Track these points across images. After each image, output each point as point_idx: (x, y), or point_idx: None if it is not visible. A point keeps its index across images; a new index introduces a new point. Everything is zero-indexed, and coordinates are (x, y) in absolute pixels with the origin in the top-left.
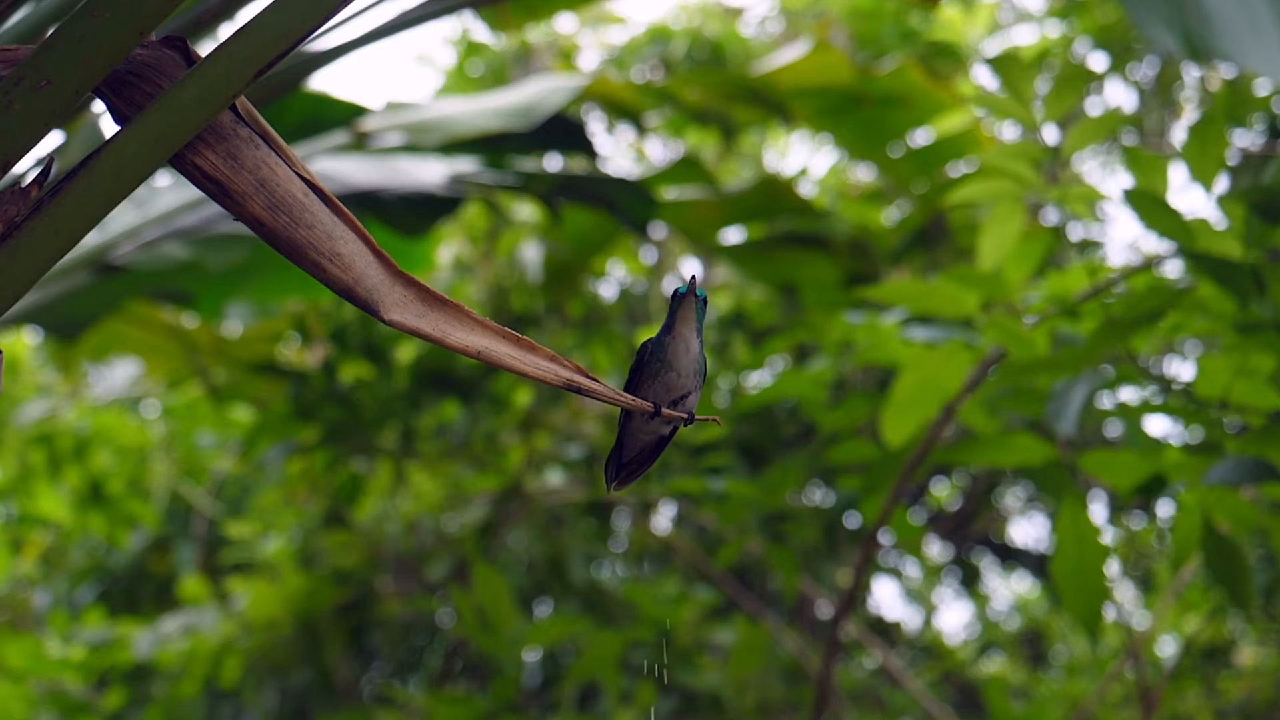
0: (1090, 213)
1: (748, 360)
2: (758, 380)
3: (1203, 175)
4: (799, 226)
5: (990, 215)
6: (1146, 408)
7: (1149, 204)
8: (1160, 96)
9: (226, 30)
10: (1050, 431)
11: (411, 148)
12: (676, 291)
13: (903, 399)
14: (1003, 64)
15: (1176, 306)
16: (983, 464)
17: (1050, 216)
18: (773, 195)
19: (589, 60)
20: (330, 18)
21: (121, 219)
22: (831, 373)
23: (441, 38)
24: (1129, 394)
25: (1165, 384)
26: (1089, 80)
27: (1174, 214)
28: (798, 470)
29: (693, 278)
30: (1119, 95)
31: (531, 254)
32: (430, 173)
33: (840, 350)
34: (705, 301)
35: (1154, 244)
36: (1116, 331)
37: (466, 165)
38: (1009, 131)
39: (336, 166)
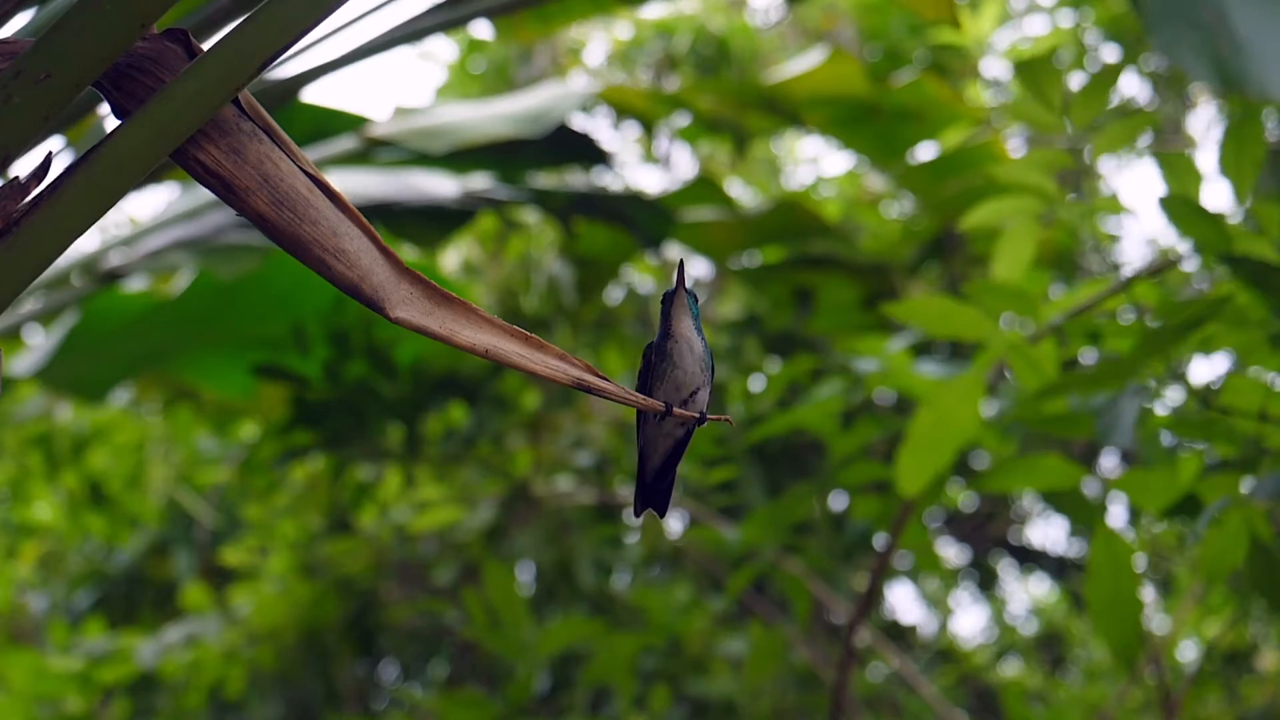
0: (1114, 210)
1: (759, 366)
2: (765, 385)
3: (1238, 179)
4: (817, 247)
5: (1006, 234)
6: (1183, 425)
7: (1185, 210)
8: (1174, 88)
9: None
10: (1074, 453)
11: (420, 156)
12: (666, 293)
13: (919, 442)
14: (1029, 69)
15: (1215, 316)
16: (1011, 490)
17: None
18: (791, 217)
19: (593, 56)
20: (333, 11)
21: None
22: (840, 403)
23: (444, 35)
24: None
25: (1201, 397)
26: (1116, 81)
27: (1212, 220)
28: (808, 500)
29: (680, 270)
30: (1132, 87)
31: (559, 269)
32: (442, 186)
33: (851, 379)
34: (695, 297)
35: (1173, 239)
36: (1157, 343)
37: (480, 181)
38: (1021, 138)
39: (346, 179)
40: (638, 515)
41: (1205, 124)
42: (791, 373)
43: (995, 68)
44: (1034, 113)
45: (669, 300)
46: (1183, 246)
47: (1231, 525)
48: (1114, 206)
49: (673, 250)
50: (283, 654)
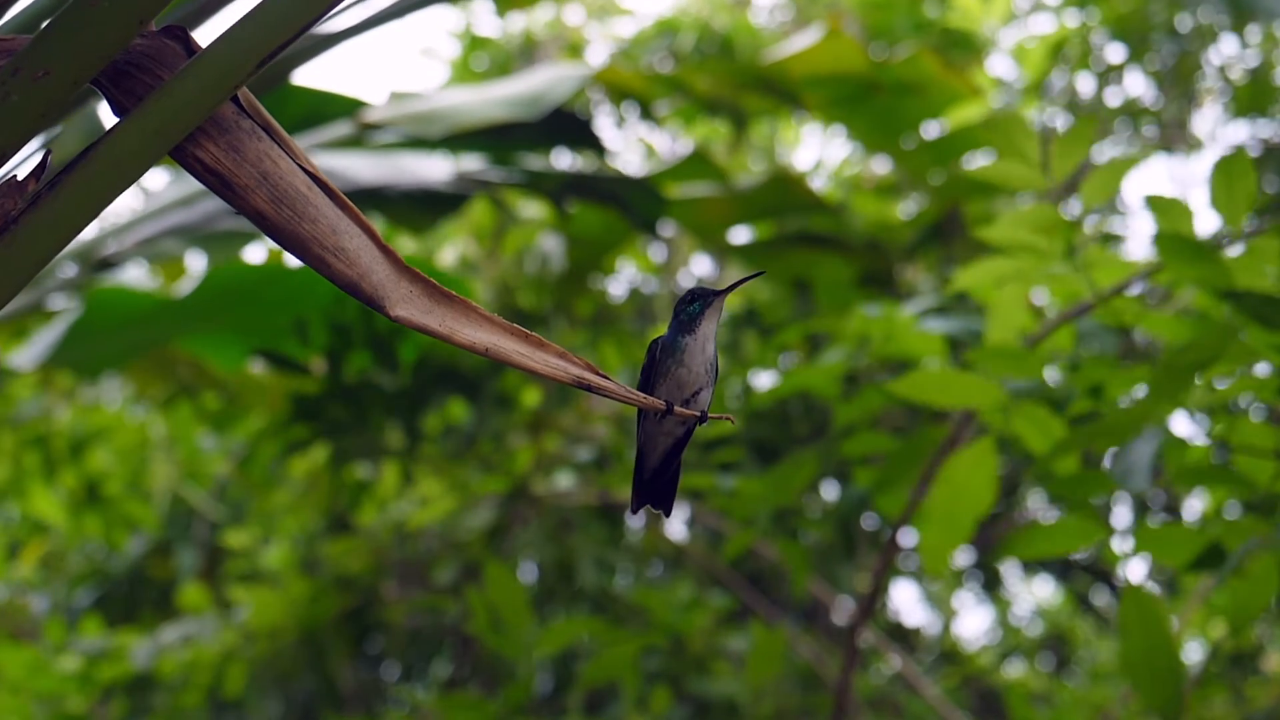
0: (1112, 269)
1: (759, 357)
2: (769, 379)
3: (1230, 213)
4: (812, 224)
5: (997, 301)
6: (1198, 473)
7: (1180, 249)
8: (1179, 86)
9: (230, 19)
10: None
11: (416, 140)
12: (697, 291)
13: (938, 520)
14: (1001, 128)
15: (1226, 353)
16: (1039, 555)
17: (1070, 209)
18: (785, 192)
19: (596, 54)
20: (334, 7)
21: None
22: (845, 366)
23: (445, 31)
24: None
25: (1221, 441)
26: (1095, 132)
27: (1209, 256)
28: (810, 464)
29: (734, 282)
30: (1137, 86)
31: (552, 245)
32: (435, 170)
33: (856, 343)
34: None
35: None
36: (1167, 388)
37: (473, 163)
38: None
39: (339, 163)
40: (635, 512)
41: (1210, 123)
42: (789, 338)
43: (1000, 65)
44: (1013, 175)
45: (704, 298)
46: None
47: (1259, 569)
48: (1113, 266)
49: (667, 229)
50: (281, 652)
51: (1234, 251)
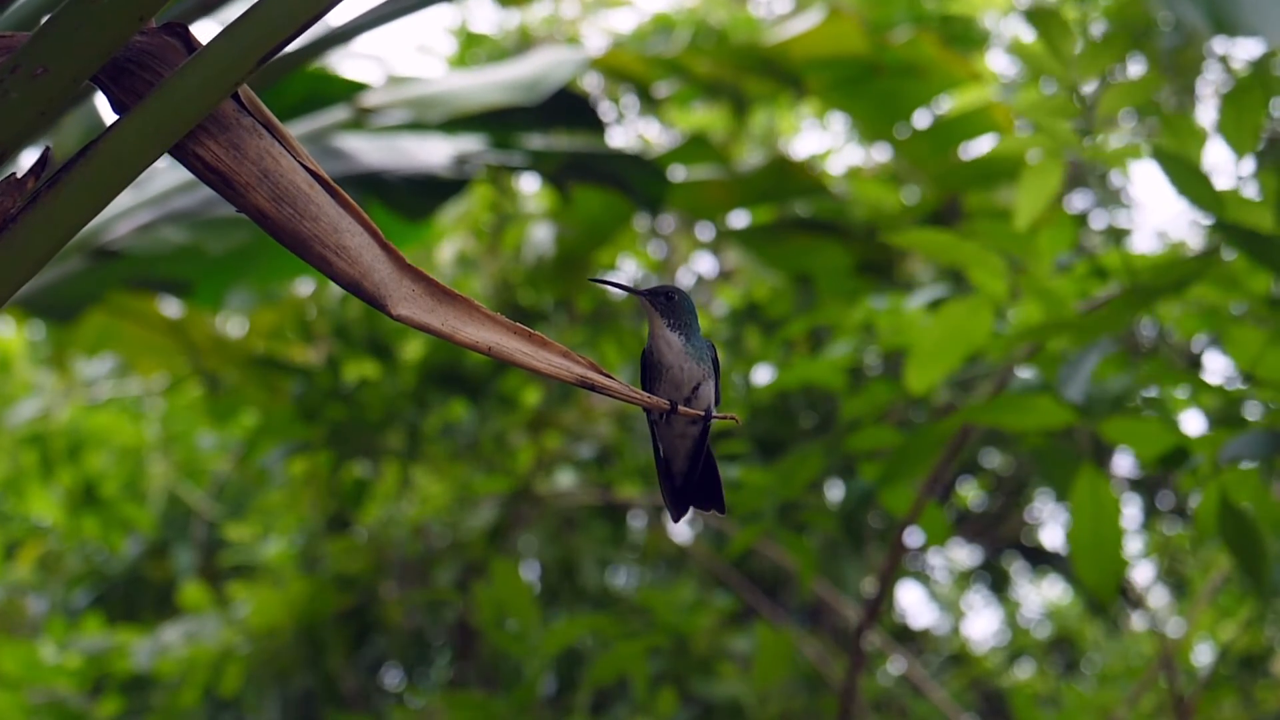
0: (1124, 169)
1: (762, 352)
2: (772, 374)
3: (1238, 144)
4: (813, 209)
5: (1028, 170)
6: (1174, 377)
7: (1183, 169)
8: (1180, 80)
9: (230, 15)
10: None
11: (415, 125)
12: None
13: (927, 349)
14: (1042, 19)
15: (1203, 276)
16: (1001, 425)
17: (1075, 204)
18: (785, 176)
19: (593, 47)
20: (335, 4)
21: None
22: (851, 359)
23: (442, 27)
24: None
25: (1193, 369)
26: (1127, 42)
27: (1208, 182)
28: (816, 458)
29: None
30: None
31: (543, 234)
32: (435, 153)
33: (861, 335)
34: (668, 297)
35: (1182, 230)
36: (1141, 298)
37: (472, 144)
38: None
39: (337, 145)
40: (676, 521)
41: (1213, 114)
42: (793, 332)
43: (1000, 59)
44: (1045, 61)
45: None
46: (1186, 229)
47: (1212, 486)
48: (1131, 152)
49: (667, 222)
50: (280, 651)
51: (1231, 184)
